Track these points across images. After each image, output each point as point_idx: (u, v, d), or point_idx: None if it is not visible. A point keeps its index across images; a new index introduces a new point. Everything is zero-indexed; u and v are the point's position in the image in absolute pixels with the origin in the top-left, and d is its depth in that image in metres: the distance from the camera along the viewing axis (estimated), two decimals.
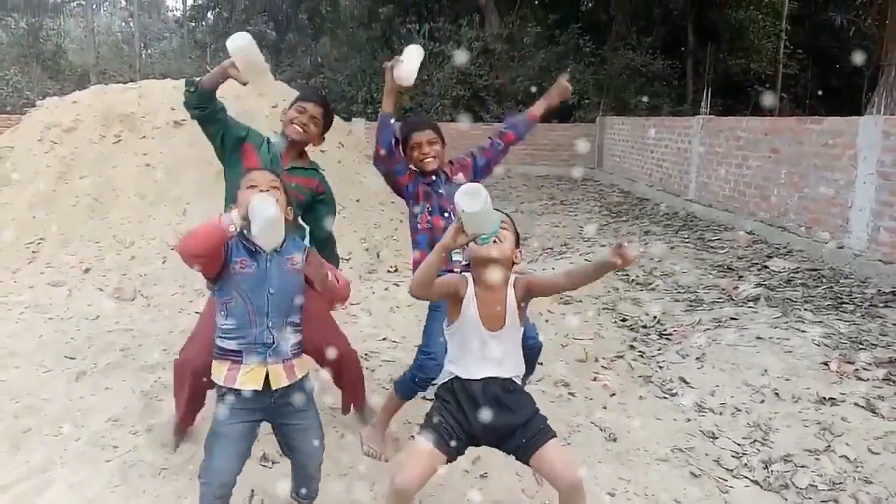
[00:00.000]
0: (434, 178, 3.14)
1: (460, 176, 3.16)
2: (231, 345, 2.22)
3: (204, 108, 2.88)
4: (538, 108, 3.29)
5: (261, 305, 2.20)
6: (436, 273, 2.19)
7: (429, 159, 3.10)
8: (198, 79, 2.87)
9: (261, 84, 2.72)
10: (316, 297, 2.40)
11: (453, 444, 2.22)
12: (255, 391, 2.21)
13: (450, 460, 2.23)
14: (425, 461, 2.17)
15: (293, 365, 2.27)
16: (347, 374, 3.11)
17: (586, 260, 7.00)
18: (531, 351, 3.12)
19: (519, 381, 2.36)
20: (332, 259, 3.24)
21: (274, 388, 2.22)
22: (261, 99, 7.03)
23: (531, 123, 3.30)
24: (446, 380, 2.35)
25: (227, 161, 3.05)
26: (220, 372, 2.23)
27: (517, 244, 2.34)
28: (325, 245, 3.22)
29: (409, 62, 2.88)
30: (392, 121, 3.07)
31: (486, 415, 2.23)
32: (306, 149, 3.18)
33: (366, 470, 2.97)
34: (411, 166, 3.17)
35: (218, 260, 2.18)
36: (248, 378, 2.20)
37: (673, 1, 18.50)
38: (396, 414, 3.19)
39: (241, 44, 2.64)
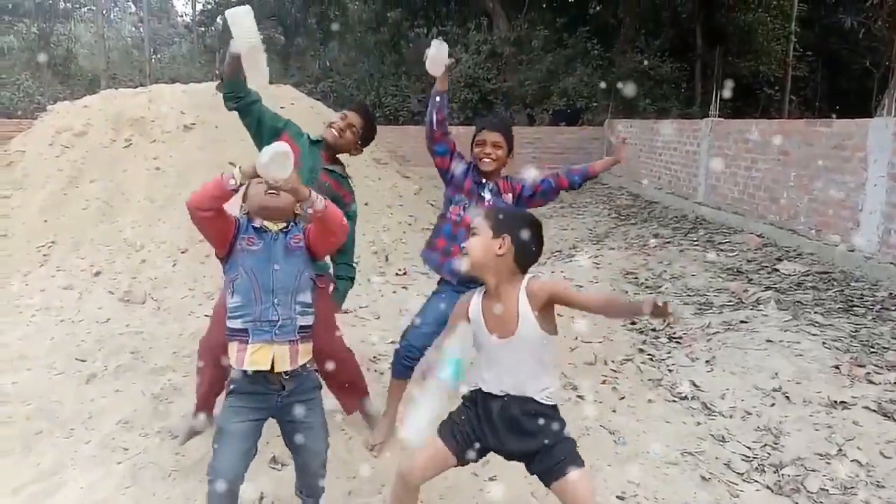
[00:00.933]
0: (485, 181, 3.19)
1: (508, 197, 3.20)
2: (237, 324, 2.24)
3: (238, 97, 2.93)
4: (599, 166, 3.33)
5: (266, 282, 2.23)
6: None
7: (486, 160, 3.15)
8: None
9: (255, 63, 2.71)
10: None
11: (468, 451, 2.17)
12: (261, 392, 2.23)
13: (462, 464, 2.22)
14: (435, 457, 2.18)
15: (298, 349, 2.27)
16: (345, 373, 3.12)
17: (595, 264, 7.00)
18: None
19: (546, 399, 2.14)
20: (348, 256, 3.33)
21: (277, 371, 2.23)
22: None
23: (587, 176, 3.29)
24: (474, 387, 2.22)
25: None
26: (231, 353, 2.26)
27: (495, 232, 2.10)
28: (342, 256, 3.29)
29: (431, 55, 3.08)
30: (438, 98, 3.15)
31: (502, 437, 2.14)
32: (344, 159, 3.28)
33: (373, 472, 2.97)
34: (471, 160, 3.23)
35: (219, 220, 2.21)
36: (256, 358, 2.21)
37: (681, 4, 18.47)
38: None
39: (237, 12, 2.67)
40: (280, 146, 2.11)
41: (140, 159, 6.64)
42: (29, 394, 3.69)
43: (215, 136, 6.88)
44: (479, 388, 2.19)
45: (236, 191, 2.16)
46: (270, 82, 2.97)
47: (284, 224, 2.32)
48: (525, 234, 2.11)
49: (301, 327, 2.29)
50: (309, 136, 3.15)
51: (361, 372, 3.29)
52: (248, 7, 2.71)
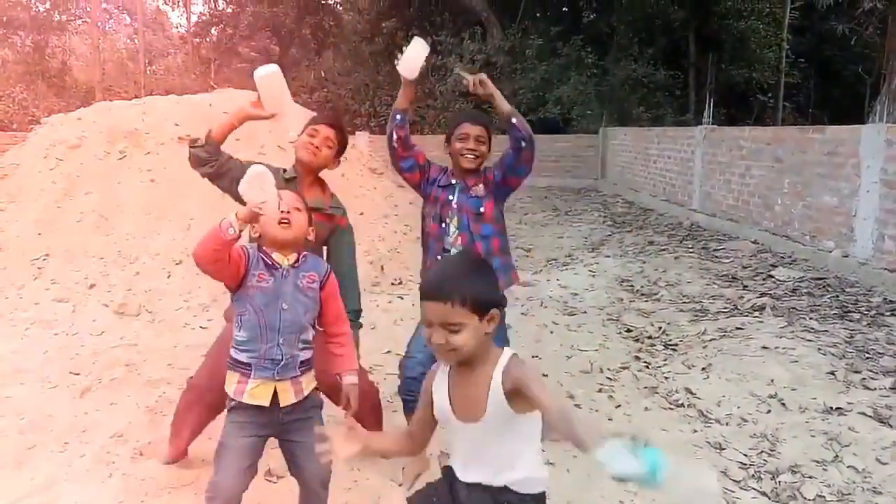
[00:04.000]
0: (454, 181, 3.05)
1: (479, 188, 3.04)
2: (242, 357, 2.22)
3: (213, 162, 2.73)
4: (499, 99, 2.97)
5: (273, 321, 2.20)
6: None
7: (469, 156, 2.98)
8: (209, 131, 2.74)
9: (288, 118, 2.68)
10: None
11: None
12: (263, 407, 2.21)
13: None
14: None
15: (301, 382, 2.27)
16: (364, 405, 3.04)
17: (591, 272, 7.01)
18: None
19: (524, 489, 1.76)
20: (353, 295, 2.99)
21: (282, 406, 2.22)
22: None
23: (510, 119, 2.94)
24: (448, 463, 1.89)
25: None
26: (231, 383, 2.24)
27: (480, 315, 1.69)
28: (346, 279, 3.00)
29: (408, 53, 2.87)
30: (399, 116, 3.02)
31: None
32: (323, 175, 3.01)
33: (370, 484, 2.96)
34: (446, 163, 3.10)
35: (232, 268, 2.15)
36: (256, 393, 2.20)
37: (674, 12, 18.57)
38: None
39: (268, 72, 2.62)
40: (253, 169, 2.06)
41: (134, 171, 6.63)
42: (23, 407, 3.66)
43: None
44: (450, 466, 1.85)
45: (238, 238, 2.07)
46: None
47: (295, 257, 2.27)
48: (495, 289, 1.77)
49: (302, 362, 2.27)
50: (284, 174, 2.90)
51: (380, 409, 3.18)
52: (276, 67, 2.64)
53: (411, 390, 2.92)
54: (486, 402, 1.68)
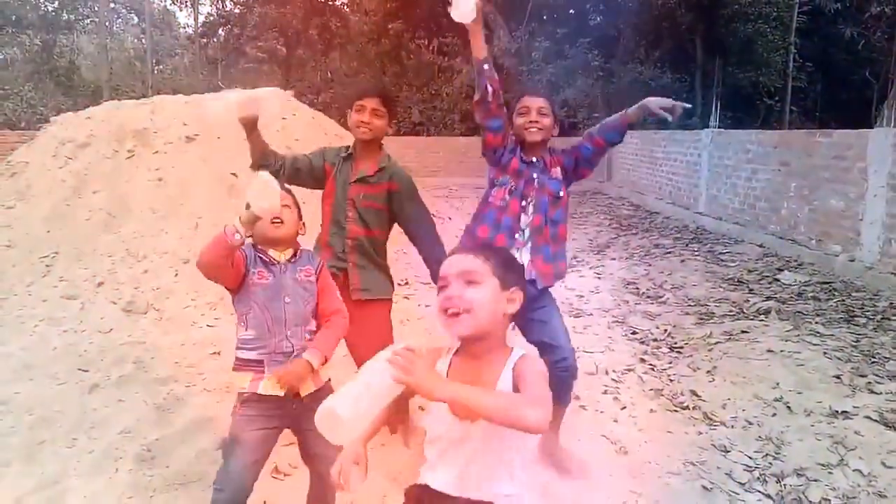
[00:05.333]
0: (535, 160, 2.93)
1: (557, 171, 2.96)
2: (252, 355, 2.26)
3: (278, 171, 2.87)
4: (633, 114, 2.92)
5: (278, 315, 2.26)
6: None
7: (533, 129, 2.87)
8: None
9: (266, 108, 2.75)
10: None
11: None
12: (276, 398, 2.24)
13: None
14: None
15: (317, 371, 2.30)
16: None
17: (596, 275, 7.01)
18: (563, 374, 2.87)
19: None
20: (439, 248, 3.08)
21: (302, 396, 2.26)
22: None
23: (623, 129, 2.96)
24: (418, 483, 1.68)
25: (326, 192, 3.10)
26: (244, 381, 2.27)
27: (504, 284, 1.59)
28: (426, 234, 3.12)
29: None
30: (486, 66, 2.75)
31: None
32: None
33: (376, 482, 2.97)
34: (513, 134, 2.93)
35: (234, 270, 2.21)
36: (271, 384, 2.23)
37: (681, 15, 18.56)
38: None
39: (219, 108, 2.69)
40: (261, 176, 2.10)
41: (142, 170, 6.66)
42: (32, 403, 3.69)
43: (217, 148, 6.91)
44: (426, 486, 1.65)
45: (243, 243, 2.12)
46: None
47: (290, 253, 2.35)
48: (521, 276, 1.65)
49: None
50: (342, 152, 3.08)
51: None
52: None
53: None
54: None
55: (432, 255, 3.08)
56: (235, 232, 2.08)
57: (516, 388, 1.52)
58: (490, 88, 2.76)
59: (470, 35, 2.71)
